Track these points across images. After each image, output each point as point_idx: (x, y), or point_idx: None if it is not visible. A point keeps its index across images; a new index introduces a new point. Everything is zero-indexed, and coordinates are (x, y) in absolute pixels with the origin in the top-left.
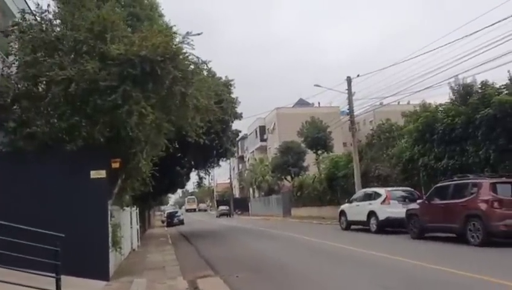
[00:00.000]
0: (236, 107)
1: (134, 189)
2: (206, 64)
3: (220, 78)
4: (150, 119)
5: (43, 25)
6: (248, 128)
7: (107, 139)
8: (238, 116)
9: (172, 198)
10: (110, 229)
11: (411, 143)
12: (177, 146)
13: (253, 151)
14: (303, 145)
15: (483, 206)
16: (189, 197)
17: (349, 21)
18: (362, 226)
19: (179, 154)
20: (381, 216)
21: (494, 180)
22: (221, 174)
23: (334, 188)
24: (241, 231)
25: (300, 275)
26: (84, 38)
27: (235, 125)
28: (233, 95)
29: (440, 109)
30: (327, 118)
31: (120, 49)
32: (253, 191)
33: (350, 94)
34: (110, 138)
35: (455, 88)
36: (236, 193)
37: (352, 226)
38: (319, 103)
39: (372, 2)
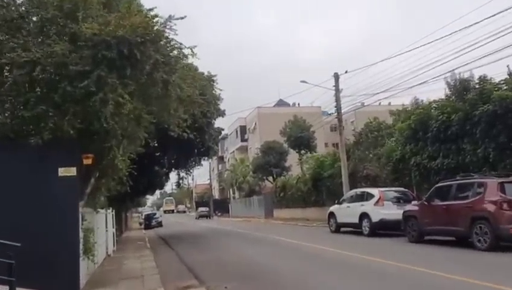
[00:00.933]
0: (219, 104)
1: (110, 189)
2: (192, 49)
3: (203, 73)
4: (128, 109)
5: (4, 1)
6: (228, 128)
7: (78, 131)
8: (221, 114)
9: (150, 199)
10: (81, 235)
11: (402, 142)
12: (156, 144)
13: (233, 152)
14: (285, 145)
15: (491, 207)
16: (167, 198)
17: (329, 22)
18: (353, 229)
19: (158, 153)
20: (375, 218)
21: (502, 180)
22: (201, 175)
23: (319, 189)
24: (223, 234)
25: (294, 284)
26: (52, 16)
27: (217, 123)
28: (216, 91)
29: (434, 105)
30: (309, 118)
31: (94, 28)
32: (234, 192)
33: (337, 91)
34: (81, 130)
35: (451, 83)
36: (216, 194)
37: (342, 229)
38: (298, 104)
39: (352, 2)
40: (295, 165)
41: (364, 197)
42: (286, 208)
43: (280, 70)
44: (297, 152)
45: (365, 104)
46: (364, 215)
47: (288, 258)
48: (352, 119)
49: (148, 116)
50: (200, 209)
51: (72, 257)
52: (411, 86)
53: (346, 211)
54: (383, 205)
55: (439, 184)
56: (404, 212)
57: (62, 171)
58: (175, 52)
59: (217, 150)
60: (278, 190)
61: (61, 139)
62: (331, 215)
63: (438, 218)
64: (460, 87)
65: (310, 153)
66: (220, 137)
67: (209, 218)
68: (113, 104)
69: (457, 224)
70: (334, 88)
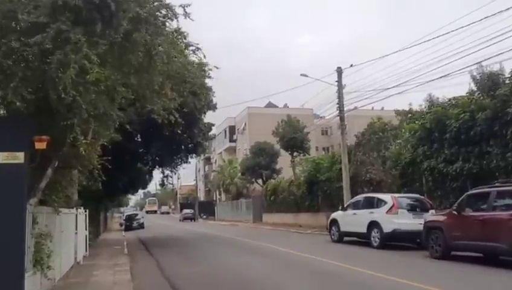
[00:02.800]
0: (211, 96)
1: (75, 184)
2: (185, 9)
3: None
4: (96, 77)
5: None
6: (216, 128)
7: (29, 104)
8: (212, 107)
9: (133, 199)
10: (32, 242)
11: (414, 143)
12: (139, 139)
13: (221, 153)
14: (277, 146)
15: None
16: (150, 198)
17: (318, 26)
18: (358, 239)
19: (142, 149)
20: (387, 228)
21: None
22: (186, 176)
23: (315, 193)
24: (210, 239)
25: None
26: None
27: (207, 118)
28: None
29: (453, 102)
30: (300, 120)
31: None
32: (220, 195)
33: (340, 87)
34: (33, 102)
35: (478, 77)
36: (202, 196)
37: (346, 238)
38: (287, 105)
39: (341, 7)
40: (286, 168)
41: (375, 203)
42: (277, 212)
43: (269, 74)
44: (290, 154)
45: (358, 107)
46: (374, 225)
47: (293, 276)
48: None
49: (125, 90)
50: (185, 211)
51: (14, 273)
52: (430, 80)
53: (352, 219)
54: (397, 213)
55: (472, 191)
56: (426, 222)
57: (4, 157)
58: (163, 11)
59: (206, 146)
60: (269, 193)
61: (5, 115)
62: (334, 222)
63: (471, 231)
64: (489, 82)
65: (304, 155)
66: (210, 133)
67: (194, 221)
68: (76, 68)
69: (497, 239)
70: (336, 84)
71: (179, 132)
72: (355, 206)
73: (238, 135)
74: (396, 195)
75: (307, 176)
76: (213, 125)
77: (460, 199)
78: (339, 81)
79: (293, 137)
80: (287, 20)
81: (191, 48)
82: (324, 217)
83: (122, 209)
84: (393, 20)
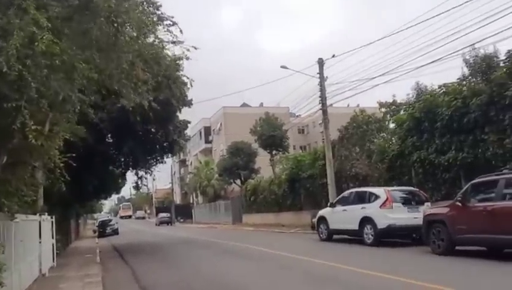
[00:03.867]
0: (186, 92)
1: (36, 185)
2: None
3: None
4: (46, 47)
5: None
6: (191, 130)
7: None
8: (188, 103)
9: (107, 205)
10: None
11: (402, 135)
12: (110, 140)
13: (196, 154)
14: (255, 145)
15: None
16: (124, 203)
17: (290, 24)
18: (349, 237)
19: (113, 150)
20: (381, 224)
21: None
22: (162, 179)
23: (297, 191)
24: (189, 243)
25: None
26: None
27: (183, 115)
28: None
29: (443, 90)
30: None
31: None
32: (197, 197)
33: (322, 78)
34: None
35: (471, 61)
36: (178, 199)
37: (335, 236)
38: (263, 104)
39: (311, 7)
40: (265, 167)
41: (366, 198)
42: (257, 213)
43: (242, 74)
44: (268, 152)
45: (333, 105)
46: (366, 221)
47: (284, 280)
48: (320, 121)
49: (87, 67)
50: (161, 215)
51: None
52: (419, 66)
53: (342, 216)
54: (391, 207)
55: (478, 180)
56: (426, 216)
57: None
58: None
59: (183, 145)
60: (248, 193)
61: None
62: (322, 220)
63: (478, 224)
64: (483, 65)
65: (283, 153)
66: (185, 131)
67: (171, 225)
68: (22, 36)
69: (510, 231)
70: (318, 76)
71: (153, 130)
72: (345, 202)
73: (214, 135)
74: (390, 188)
75: (289, 173)
76: (189, 122)
77: (464, 188)
78: (321, 73)
79: (271, 135)
80: (257, 20)
81: (165, 22)
82: (307, 216)
83: (95, 215)
84: (374, 10)
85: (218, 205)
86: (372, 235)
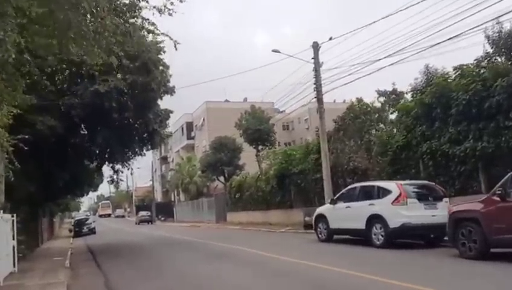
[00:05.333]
0: (168, 77)
1: None
2: None
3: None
4: None
5: None
6: (173, 126)
7: None
8: (170, 91)
9: (86, 203)
10: None
11: (408, 124)
12: (84, 131)
13: (178, 151)
14: (239, 140)
15: None
16: (103, 201)
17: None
18: (351, 237)
19: (87, 143)
20: (393, 223)
21: None
22: (142, 177)
23: (286, 188)
24: (170, 244)
25: None
26: None
27: (164, 104)
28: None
29: (459, 72)
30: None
31: None
32: (179, 195)
33: (317, 64)
34: None
35: (494, 37)
36: (159, 197)
37: (336, 236)
38: (247, 99)
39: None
40: (250, 163)
41: (375, 193)
42: (243, 210)
43: (223, 74)
44: (254, 147)
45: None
46: (375, 219)
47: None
48: (306, 116)
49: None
50: (141, 213)
51: None
52: (436, 44)
53: (345, 213)
54: (406, 203)
55: None
56: (452, 213)
57: None
58: None
59: (164, 136)
60: (233, 190)
61: None
62: (321, 218)
63: None
64: (508, 42)
65: (270, 148)
66: (168, 122)
67: (151, 223)
68: None
69: None
70: (313, 61)
71: (131, 119)
72: (349, 198)
73: (196, 131)
74: (402, 182)
75: (277, 169)
76: (171, 112)
77: (504, 179)
78: (316, 57)
79: (257, 129)
80: (237, 18)
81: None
82: (298, 214)
83: (73, 213)
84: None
85: (201, 202)
86: (382, 235)
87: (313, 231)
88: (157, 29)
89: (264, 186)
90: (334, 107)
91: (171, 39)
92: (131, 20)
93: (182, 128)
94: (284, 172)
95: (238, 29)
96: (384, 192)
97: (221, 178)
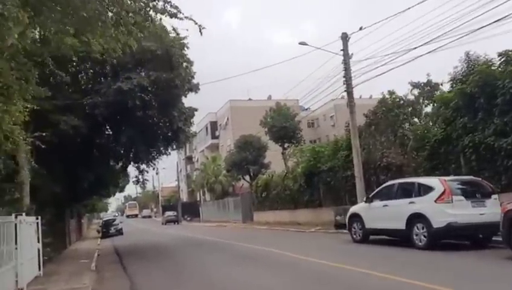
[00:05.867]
0: (192, 74)
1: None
2: None
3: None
4: None
5: None
6: (197, 126)
7: None
8: (194, 88)
9: (114, 204)
10: None
11: (448, 116)
12: (109, 132)
13: (203, 150)
14: (266, 137)
15: None
16: (130, 202)
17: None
18: (390, 238)
19: (112, 143)
20: (438, 222)
21: None
22: (168, 177)
23: (315, 186)
24: (198, 245)
25: None
26: None
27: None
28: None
29: (503, 59)
30: None
31: None
32: (204, 194)
33: (347, 55)
34: None
35: None
36: (185, 197)
37: (372, 237)
38: (271, 97)
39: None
40: (275, 162)
41: (416, 190)
42: (269, 210)
43: (245, 69)
44: (280, 145)
45: (345, 97)
46: (416, 218)
47: None
48: (332, 113)
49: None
50: (167, 213)
51: None
52: (478, 28)
53: (383, 213)
54: (451, 201)
55: None
56: (508, 212)
57: None
58: None
59: (190, 134)
60: (259, 189)
61: None
62: (355, 218)
63: None
64: None
65: (296, 146)
66: (192, 121)
67: (177, 223)
68: None
69: None
70: (342, 52)
71: (155, 118)
72: (386, 195)
73: (221, 130)
74: (446, 178)
75: (305, 166)
76: (196, 110)
77: None
78: (345, 49)
79: (283, 126)
80: (260, 16)
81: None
82: (328, 213)
83: (102, 214)
84: None
85: (227, 202)
86: (424, 236)
87: (345, 230)
88: (180, 13)
89: (292, 185)
90: (360, 103)
91: (196, 23)
92: (152, 3)
93: (206, 128)
94: (313, 170)
95: (257, 28)
96: (426, 189)
97: (247, 177)
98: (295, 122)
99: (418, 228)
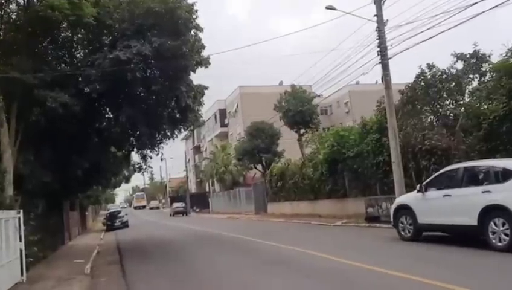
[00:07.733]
0: (202, 48)
1: None
2: None
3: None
4: None
5: None
6: (205, 114)
7: None
8: (205, 62)
9: (122, 195)
10: None
11: (510, 88)
12: (110, 114)
13: (211, 139)
14: (277, 124)
15: None
16: (137, 193)
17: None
18: (447, 234)
19: (114, 127)
20: None
21: None
22: (175, 167)
23: (339, 174)
24: (209, 241)
25: None
26: None
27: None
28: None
29: None
30: None
31: None
32: (213, 185)
33: (381, 22)
34: None
35: None
36: (193, 188)
37: (425, 234)
38: (282, 82)
39: None
40: (289, 150)
41: (491, 177)
42: (286, 201)
43: (257, 61)
44: (296, 131)
45: (360, 82)
46: (494, 212)
47: None
48: (346, 100)
49: None
50: (175, 205)
51: None
52: None
53: (442, 204)
54: None
55: None
56: None
57: None
58: None
59: (199, 115)
60: (274, 178)
61: None
62: (403, 211)
63: None
64: None
65: (313, 131)
66: (202, 100)
67: (186, 215)
68: None
69: None
70: (375, 19)
71: (159, 95)
72: (447, 183)
73: (230, 118)
74: None
75: (328, 153)
76: (206, 88)
77: None
78: (379, 14)
79: (299, 111)
80: (268, 7)
81: None
82: (354, 203)
83: (109, 206)
84: None
85: (238, 192)
86: (506, 234)
87: (378, 224)
88: None
89: (312, 173)
90: (376, 88)
91: None
92: None
93: (215, 116)
94: (336, 156)
95: (266, 17)
96: (506, 174)
97: (259, 166)
98: (312, 105)
99: (495, 224)
